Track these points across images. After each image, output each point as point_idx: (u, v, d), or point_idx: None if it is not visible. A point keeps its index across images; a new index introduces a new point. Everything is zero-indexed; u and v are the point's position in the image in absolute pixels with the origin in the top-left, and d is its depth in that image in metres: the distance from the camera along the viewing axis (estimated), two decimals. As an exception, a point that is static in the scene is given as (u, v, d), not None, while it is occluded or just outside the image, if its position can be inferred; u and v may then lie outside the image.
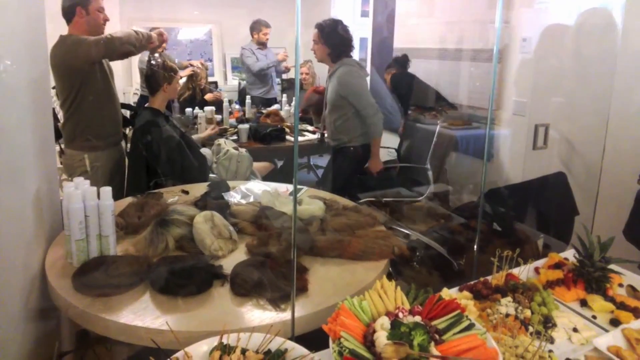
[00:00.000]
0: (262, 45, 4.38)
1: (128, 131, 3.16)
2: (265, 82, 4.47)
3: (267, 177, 3.03)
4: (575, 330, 1.08)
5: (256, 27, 4.33)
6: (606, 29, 2.20)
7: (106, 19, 2.24)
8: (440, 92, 3.32)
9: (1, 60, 1.30)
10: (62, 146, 2.34)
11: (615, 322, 1.12)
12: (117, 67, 2.58)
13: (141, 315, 1.15)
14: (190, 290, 1.23)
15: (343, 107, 2.65)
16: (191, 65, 3.83)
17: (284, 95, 4.29)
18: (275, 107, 4.04)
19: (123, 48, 2.20)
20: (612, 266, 1.27)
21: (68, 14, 2.15)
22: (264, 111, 3.78)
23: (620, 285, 1.30)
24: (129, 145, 2.52)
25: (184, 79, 3.69)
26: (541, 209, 1.88)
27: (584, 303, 1.20)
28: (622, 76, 1.97)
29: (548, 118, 2.38)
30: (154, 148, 2.26)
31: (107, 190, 1.39)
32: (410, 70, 3.57)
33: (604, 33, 2.21)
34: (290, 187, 2.09)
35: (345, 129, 2.68)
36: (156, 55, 2.61)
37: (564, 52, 2.38)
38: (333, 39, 2.65)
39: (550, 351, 1.01)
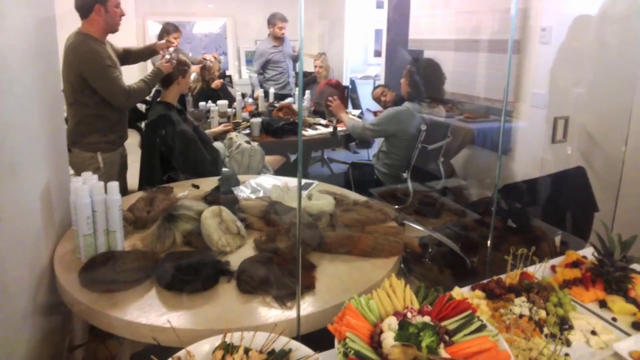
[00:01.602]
0: (278, 39, 4.35)
1: (142, 125, 3.18)
2: (282, 77, 4.45)
3: (279, 171, 3.01)
4: (593, 333, 1.03)
5: (272, 20, 4.29)
6: (630, 17, 2.10)
7: (122, 14, 2.23)
8: (456, 83, 3.24)
9: (14, 55, 1.30)
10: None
11: (637, 326, 1.07)
12: (132, 65, 2.59)
13: (146, 312, 1.15)
14: (196, 286, 1.22)
15: None
16: (204, 59, 3.82)
17: (297, 88, 4.26)
18: (289, 100, 4.01)
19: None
20: (633, 266, 1.21)
21: (85, 10, 2.13)
22: (276, 105, 3.76)
23: (643, 285, 1.23)
24: (142, 139, 2.53)
25: (194, 73, 3.69)
26: (559, 205, 1.81)
27: (603, 304, 1.14)
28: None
29: (568, 110, 2.30)
30: (168, 142, 2.26)
31: (114, 186, 1.39)
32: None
33: (628, 22, 2.11)
34: (302, 181, 2.07)
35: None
36: (170, 49, 2.61)
37: (584, 42, 2.28)
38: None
39: (566, 355, 0.96)
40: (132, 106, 2.32)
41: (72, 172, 2.21)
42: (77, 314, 1.24)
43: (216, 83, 3.90)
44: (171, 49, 2.59)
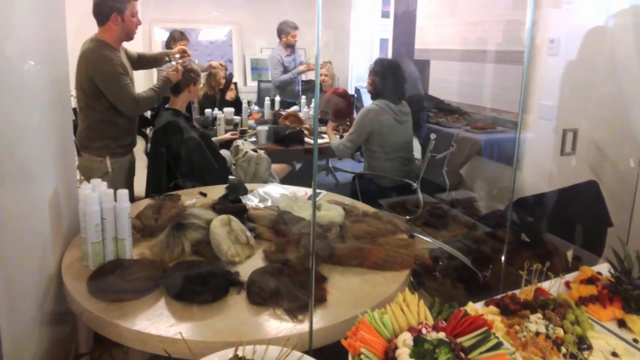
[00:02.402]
0: (291, 47, 4.36)
1: (148, 131, 3.18)
2: (292, 87, 4.46)
3: (284, 179, 3.00)
4: (614, 354, 1.00)
5: (285, 29, 4.30)
6: (641, 29, 2.09)
7: (139, 23, 2.25)
8: (463, 94, 3.23)
9: (24, 60, 1.30)
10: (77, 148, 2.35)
11: (658, 347, 1.05)
12: (139, 71, 2.60)
13: (155, 322, 1.13)
14: (206, 297, 1.20)
15: None
16: (211, 66, 3.83)
17: (303, 97, 4.26)
18: (294, 108, 4.01)
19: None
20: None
21: (102, 17, 2.15)
22: (282, 113, 3.76)
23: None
24: (149, 145, 2.53)
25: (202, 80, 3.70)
26: (571, 219, 1.79)
27: (622, 324, 1.12)
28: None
29: (577, 123, 2.28)
30: (175, 149, 2.26)
31: (124, 193, 1.38)
32: (432, 73, 3.49)
33: (638, 33, 2.10)
34: (309, 191, 2.05)
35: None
36: (177, 56, 2.63)
37: (594, 54, 2.28)
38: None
39: (585, 375, 0.94)
40: (140, 114, 2.32)
41: (79, 176, 2.21)
42: (85, 322, 1.22)
43: (230, 95, 3.91)
44: (178, 56, 2.60)
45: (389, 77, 2.70)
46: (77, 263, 1.41)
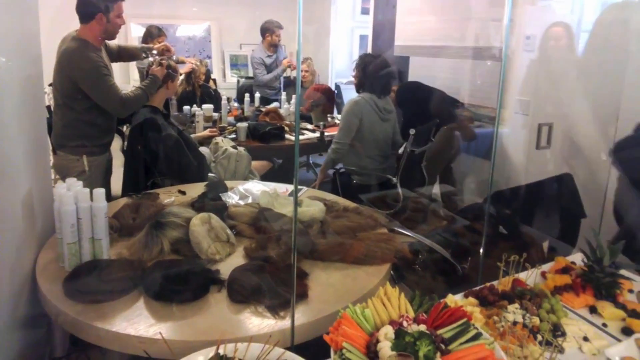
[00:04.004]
0: (273, 47, 4.34)
1: (125, 129, 3.12)
2: (274, 85, 4.44)
3: (265, 176, 2.98)
4: (585, 339, 1.03)
5: (270, 28, 4.28)
6: (616, 26, 2.15)
7: (122, 24, 2.20)
8: (442, 90, 3.26)
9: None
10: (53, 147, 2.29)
11: (627, 331, 1.08)
12: (115, 65, 2.55)
13: (134, 323, 1.11)
14: (186, 296, 1.19)
15: None
16: (191, 63, 3.78)
17: (284, 93, 4.25)
18: (275, 105, 4.00)
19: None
20: (622, 271, 1.23)
21: (86, 16, 2.10)
22: (263, 109, 3.73)
23: (631, 291, 1.26)
24: (125, 143, 2.49)
25: (182, 76, 3.65)
26: (547, 211, 1.84)
27: (593, 310, 1.16)
28: (634, 74, 1.92)
29: (552, 117, 2.34)
30: (152, 146, 2.22)
31: (100, 192, 1.35)
32: (411, 69, 3.52)
33: (613, 30, 2.16)
34: (289, 187, 2.05)
35: None
36: (154, 52, 2.58)
37: (569, 50, 2.33)
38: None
39: (560, 362, 0.97)
40: (129, 114, 2.27)
41: (54, 176, 2.15)
42: (61, 325, 1.20)
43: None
44: (155, 52, 2.56)
45: (375, 71, 2.71)
46: (52, 264, 1.38)
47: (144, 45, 2.64)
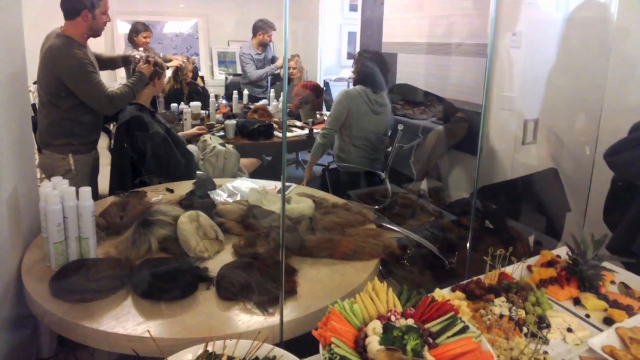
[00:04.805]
0: (263, 46, 4.33)
1: (112, 127, 3.09)
2: (262, 83, 4.44)
3: (254, 173, 2.98)
4: (569, 330, 1.06)
5: (262, 27, 4.26)
6: (598, 22, 2.18)
7: (108, 21, 2.18)
8: (429, 86, 3.29)
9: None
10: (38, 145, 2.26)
11: (608, 321, 1.11)
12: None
13: (123, 321, 1.11)
14: (174, 294, 1.19)
15: None
16: (179, 60, 3.75)
17: (272, 90, 4.23)
18: (263, 102, 3.98)
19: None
20: (604, 264, 1.25)
21: (71, 12, 2.06)
22: (251, 106, 3.72)
23: (613, 282, 1.28)
24: (112, 141, 2.46)
25: (169, 73, 3.61)
26: (532, 205, 1.86)
27: (577, 302, 1.18)
28: (616, 70, 1.95)
29: (537, 113, 2.37)
30: (139, 144, 2.20)
31: (86, 191, 1.34)
32: (399, 65, 3.53)
33: (596, 27, 2.19)
34: (278, 185, 2.05)
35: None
36: (140, 49, 2.56)
37: (554, 47, 2.36)
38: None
39: (545, 353, 0.99)
40: (116, 111, 2.25)
41: (40, 175, 2.13)
42: (47, 325, 1.19)
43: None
44: (141, 49, 2.54)
45: (372, 66, 2.74)
46: (38, 264, 1.36)
47: (121, 54, 2.61)
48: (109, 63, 2.56)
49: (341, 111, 2.66)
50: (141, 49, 2.56)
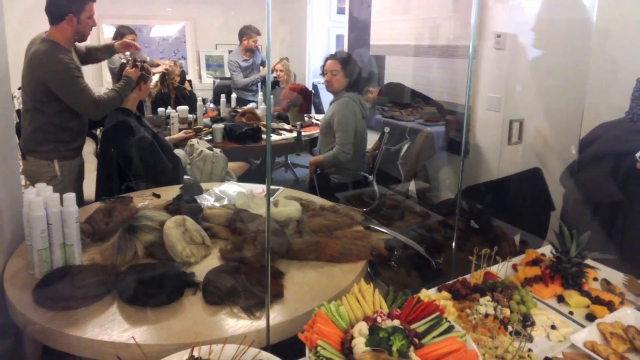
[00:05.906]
0: (250, 52, 4.34)
1: (98, 132, 3.06)
2: (252, 88, 4.45)
3: (242, 177, 2.97)
4: (553, 327, 1.07)
5: (247, 33, 4.27)
6: (579, 24, 2.22)
7: (94, 25, 2.15)
8: (416, 88, 3.31)
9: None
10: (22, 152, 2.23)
11: (590, 317, 1.13)
12: (87, 66, 2.49)
13: (108, 328, 1.09)
14: (160, 300, 1.18)
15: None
16: (163, 64, 3.73)
17: (260, 93, 4.23)
18: (252, 105, 3.98)
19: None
20: (587, 261, 1.27)
21: (56, 16, 2.03)
22: (239, 110, 3.71)
23: (595, 279, 1.30)
24: (99, 147, 2.44)
25: (156, 77, 3.60)
26: (517, 205, 1.88)
27: (561, 299, 1.20)
28: (596, 71, 1.99)
29: (522, 113, 2.40)
30: (126, 149, 2.18)
31: (70, 197, 1.32)
32: (387, 67, 3.55)
33: (577, 29, 2.23)
34: (266, 188, 2.05)
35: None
36: (127, 53, 2.54)
37: (537, 48, 2.39)
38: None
39: (529, 350, 1.00)
40: (102, 116, 2.22)
41: (24, 181, 2.10)
42: (30, 334, 1.17)
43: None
44: (128, 54, 2.52)
45: (360, 70, 2.76)
46: (21, 272, 1.34)
47: (109, 42, 2.58)
48: (99, 54, 2.52)
49: (351, 123, 2.67)
50: (127, 52, 2.53)
